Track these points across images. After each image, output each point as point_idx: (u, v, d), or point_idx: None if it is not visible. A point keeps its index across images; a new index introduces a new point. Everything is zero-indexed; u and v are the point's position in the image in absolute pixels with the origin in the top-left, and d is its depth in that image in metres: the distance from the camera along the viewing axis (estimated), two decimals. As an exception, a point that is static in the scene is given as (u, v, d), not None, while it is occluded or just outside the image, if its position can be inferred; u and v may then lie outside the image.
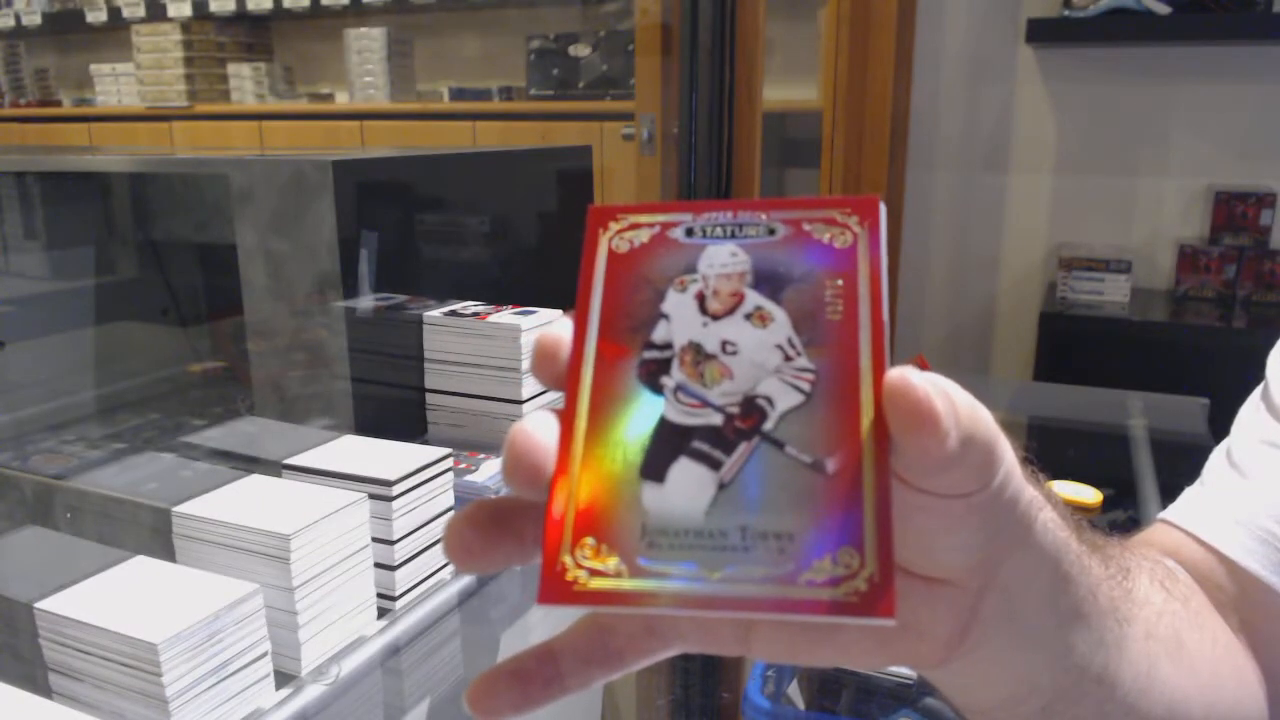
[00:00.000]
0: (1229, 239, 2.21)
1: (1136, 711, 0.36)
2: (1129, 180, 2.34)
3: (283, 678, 0.65)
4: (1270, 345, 0.53)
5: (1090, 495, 0.95)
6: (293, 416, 0.94)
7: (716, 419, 0.26)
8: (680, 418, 0.26)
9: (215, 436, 0.87)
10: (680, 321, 0.27)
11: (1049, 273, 2.42)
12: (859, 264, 0.26)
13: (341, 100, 3.46)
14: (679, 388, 0.26)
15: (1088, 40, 2.26)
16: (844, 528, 0.24)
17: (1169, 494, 0.53)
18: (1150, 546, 0.49)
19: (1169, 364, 2.04)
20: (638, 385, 0.26)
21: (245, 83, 3.51)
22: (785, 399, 0.25)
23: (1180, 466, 0.64)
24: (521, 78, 3.11)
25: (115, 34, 3.79)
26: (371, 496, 0.72)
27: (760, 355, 0.26)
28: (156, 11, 3.58)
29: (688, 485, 0.25)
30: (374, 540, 0.72)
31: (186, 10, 3.52)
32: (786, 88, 2.59)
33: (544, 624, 0.78)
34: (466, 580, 0.81)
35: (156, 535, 0.69)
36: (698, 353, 0.26)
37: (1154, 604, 0.39)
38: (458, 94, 3.23)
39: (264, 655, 0.62)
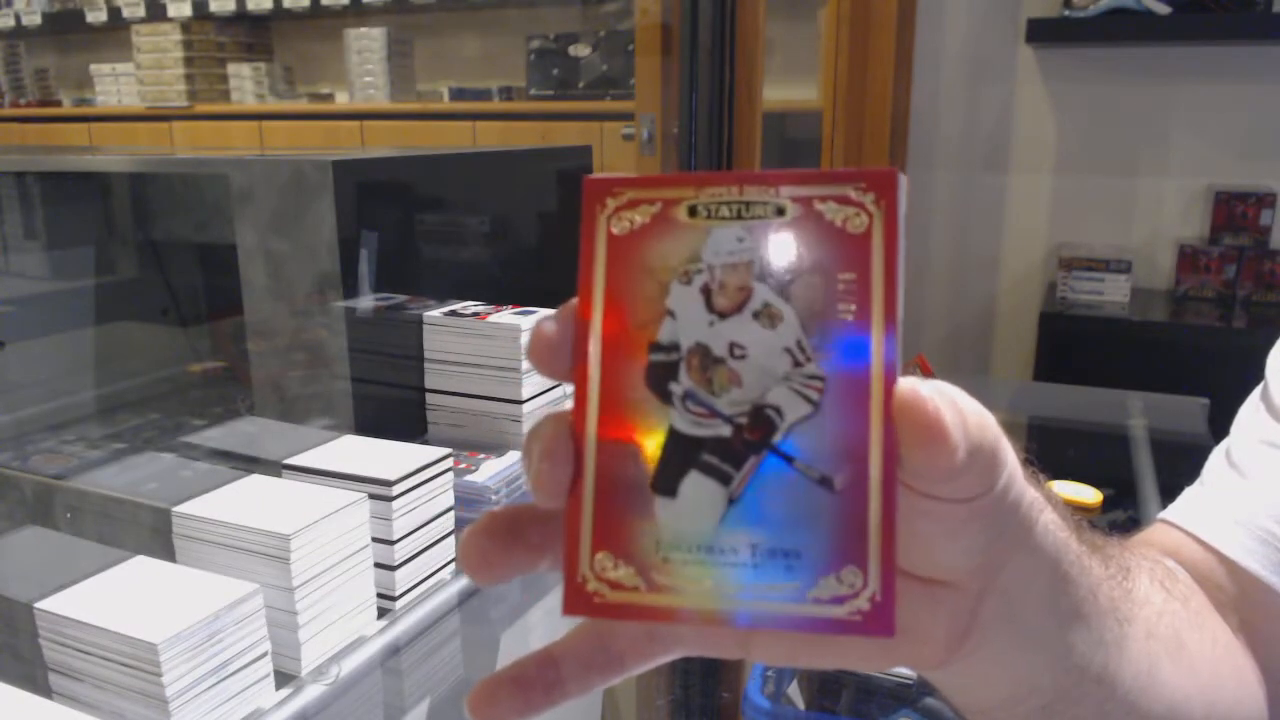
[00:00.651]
0: (1229, 239, 2.21)
1: (1137, 711, 0.36)
2: (1129, 180, 2.34)
3: (283, 678, 0.65)
4: (1270, 345, 0.53)
5: (1090, 495, 0.95)
6: (293, 416, 0.94)
7: (725, 430, 0.25)
8: (689, 428, 0.26)
9: (215, 436, 0.87)
10: (686, 320, 0.26)
11: (1049, 273, 2.42)
12: (873, 255, 0.25)
13: (341, 100, 3.46)
14: (687, 395, 0.26)
15: (1088, 40, 2.26)
16: (849, 547, 0.24)
17: (1169, 494, 0.53)
18: (1150, 546, 0.49)
19: (1169, 364, 2.04)
20: (646, 391, 0.26)
21: (245, 83, 3.51)
22: (794, 409, 0.25)
23: (1180, 466, 0.64)
24: (521, 78, 3.11)
25: (115, 34, 3.79)
26: (371, 496, 0.72)
27: (769, 360, 0.25)
28: (156, 11, 3.58)
29: (698, 500, 0.25)
30: (374, 540, 0.72)
31: (186, 10, 3.52)
32: (786, 88, 2.59)
33: (544, 625, 0.78)
34: (466, 580, 0.81)
35: (156, 535, 0.69)
36: (705, 356, 0.26)
37: (1154, 604, 0.39)
38: (458, 94, 3.23)
39: (264, 655, 0.62)
